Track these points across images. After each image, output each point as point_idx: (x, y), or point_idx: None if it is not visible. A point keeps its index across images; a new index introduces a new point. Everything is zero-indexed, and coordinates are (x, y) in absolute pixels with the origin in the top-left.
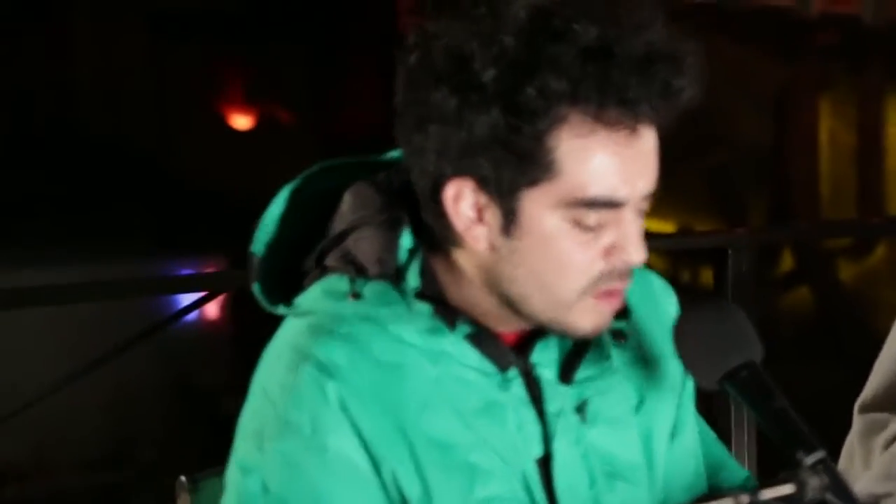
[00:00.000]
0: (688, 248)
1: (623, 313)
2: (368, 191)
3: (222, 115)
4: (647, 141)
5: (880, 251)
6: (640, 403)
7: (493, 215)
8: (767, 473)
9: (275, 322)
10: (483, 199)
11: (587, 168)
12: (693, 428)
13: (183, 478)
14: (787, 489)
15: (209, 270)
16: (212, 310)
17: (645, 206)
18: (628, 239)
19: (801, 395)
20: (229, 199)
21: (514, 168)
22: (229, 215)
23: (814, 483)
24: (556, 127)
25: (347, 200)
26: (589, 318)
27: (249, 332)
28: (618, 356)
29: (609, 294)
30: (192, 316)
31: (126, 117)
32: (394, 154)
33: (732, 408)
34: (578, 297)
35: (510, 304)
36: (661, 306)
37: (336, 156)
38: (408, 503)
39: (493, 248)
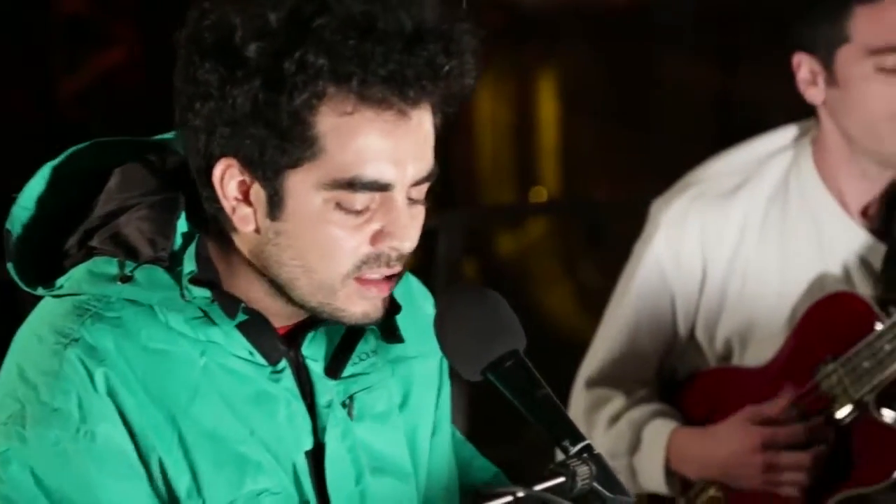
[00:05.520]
0: None
1: (395, 310)
2: (141, 171)
3: None
4: (419, 123)
5: (534, 226)
6: (405, 401)
7: (258, 196)
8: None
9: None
10: (248, 179)
11: (351, 148)
12: (449, 426)
13: None
14: (558, 480)
15: None
16: None
17: (419, 193)
18: (397, 225)
19: None
20: None
21: (277, 147)
22: None
23: (582, 472)
24: (316, 103)
25: (116, 180)
26: (357, 303)
27: None
28: (383, 354)
29: (376, 281)
30: None
31: None
32: (166, 136)
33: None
34: (343, 282)
35: (280, 290)
36: (418, 306)
37: None
38: (176, 496)
39: (260, 230)
